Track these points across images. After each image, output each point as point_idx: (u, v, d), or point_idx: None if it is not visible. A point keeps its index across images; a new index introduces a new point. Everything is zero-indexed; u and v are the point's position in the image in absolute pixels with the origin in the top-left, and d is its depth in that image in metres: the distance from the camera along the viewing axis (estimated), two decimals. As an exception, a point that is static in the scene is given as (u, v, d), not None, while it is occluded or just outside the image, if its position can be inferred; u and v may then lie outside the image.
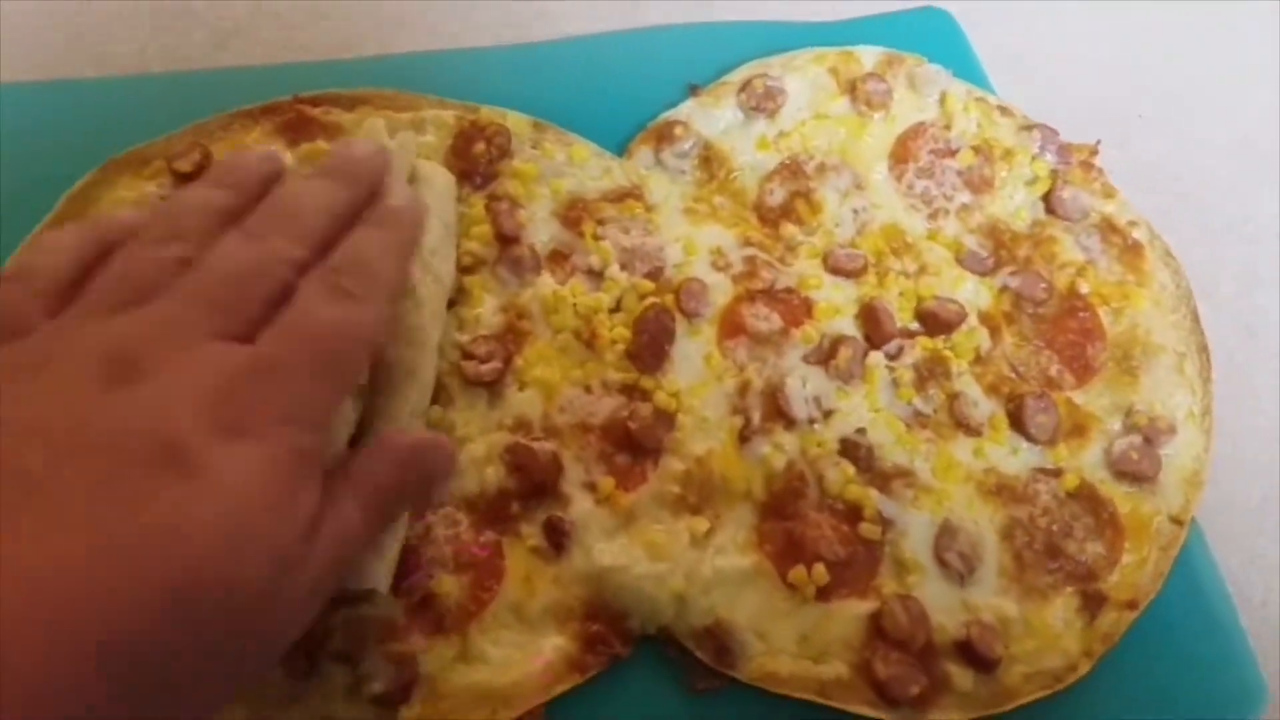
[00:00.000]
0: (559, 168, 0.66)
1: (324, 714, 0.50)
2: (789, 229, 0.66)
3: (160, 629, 0.35)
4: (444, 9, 0.77)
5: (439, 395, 0.57)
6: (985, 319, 0.64)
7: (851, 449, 0.59)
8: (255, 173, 0.50)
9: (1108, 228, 0.68)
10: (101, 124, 0.64)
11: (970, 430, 0.61)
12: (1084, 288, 0.66)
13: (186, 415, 0.38)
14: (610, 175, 0.66)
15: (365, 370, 0.48)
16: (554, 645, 0.53)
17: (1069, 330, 0.65)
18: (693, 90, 0.71)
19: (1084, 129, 0.71)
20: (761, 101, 0.69)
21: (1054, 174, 0.69)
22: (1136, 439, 0.61)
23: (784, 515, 0.57)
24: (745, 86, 0.70)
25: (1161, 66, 0.84)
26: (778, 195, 0.68)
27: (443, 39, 0.76)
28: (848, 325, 0.63)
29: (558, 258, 0.63)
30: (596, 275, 0.62)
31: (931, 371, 0.62)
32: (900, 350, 0.62)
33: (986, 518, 0.58)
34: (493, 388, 0.58)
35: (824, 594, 0.55)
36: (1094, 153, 0.71)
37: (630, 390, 0.59)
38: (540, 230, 0.63)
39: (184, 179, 0.61)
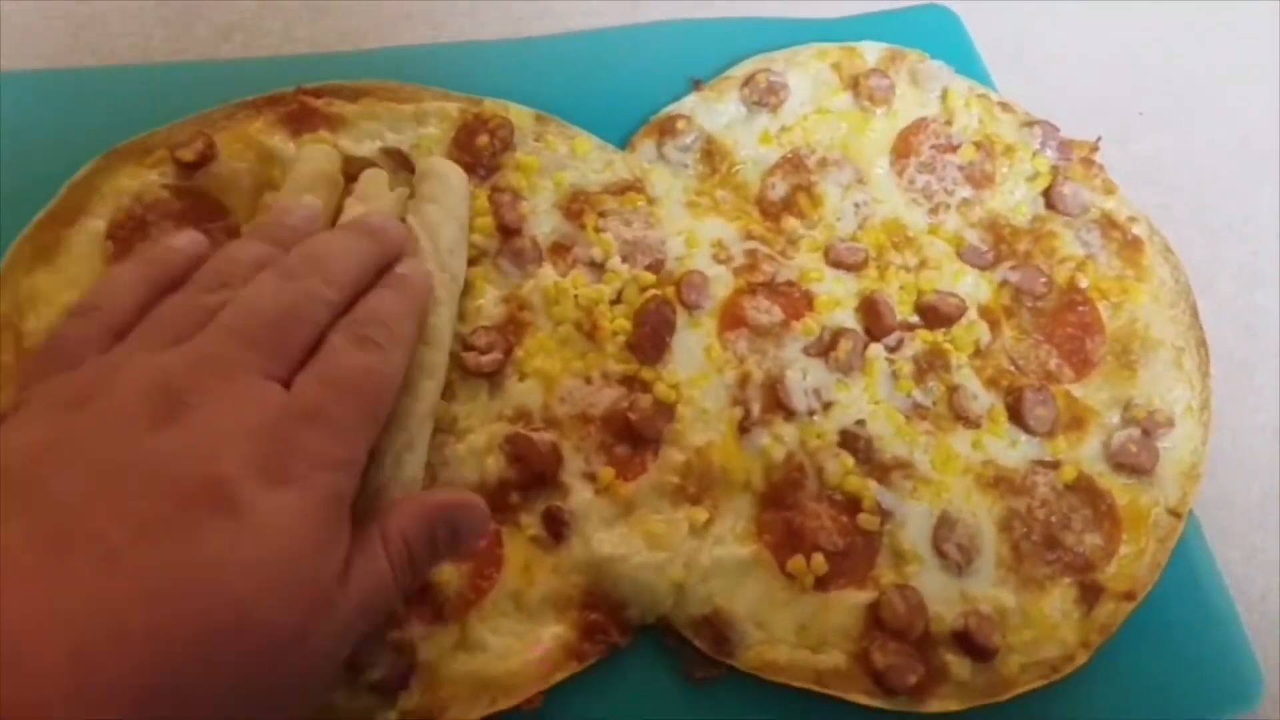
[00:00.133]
0: (561, 160, 0.66)
1: (323, 701, 0.50)
2: (790, 223, 0.67)
3: (198, 672, 0.35)
4: (447, 6, 0.77)
5: (440, 386, 0.57)
6: (985, 313, 0.65)
7: (851, 440, 0.59)
8: (302, 231, 0.52)
9: (1107, 223, 0.68)
10: (105, 113, 0.64)
11: (969, 422, 0.61)
12: (1083, 282, 0.66)
13: (231, 457, 0.39)
14: (612, 168, 0.66)
15: (390, 409, 0.49)
16: (553, 634, 0.53)
17: (1068, 324, 0.65)
18: (696, 85, 0.71)
19: (1085, 126, 0.72)
20: (764, 96, 0.70)
21: (1054, 170, 0.70)
22: (1135, 432, 0.61)
23: (783, 506, 0.57)
24: (748, 81, 0.70)
25: (1162, 64, 0.84)
26: (779, 189, 0.68)
27: (446, 34, 0.76)
28: (848, 318, 0.63)
29: (559, 250, 0.63)
30: (598, 267, 0.63)
31: (931, 364, 0.62)
32: (900, 343, 0.63)
33: (985, 509, 0.59)
34: (493, 378, 0.58)
35: (822, 584, 0.55)
36: (1094, 149, 0.71)
37: (631, 381, 0.59)
38: (542, 222, 0.64)
39: (187, 168, 0.61)
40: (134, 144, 0.62)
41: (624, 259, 0.63)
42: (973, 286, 0.66)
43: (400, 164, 0.64)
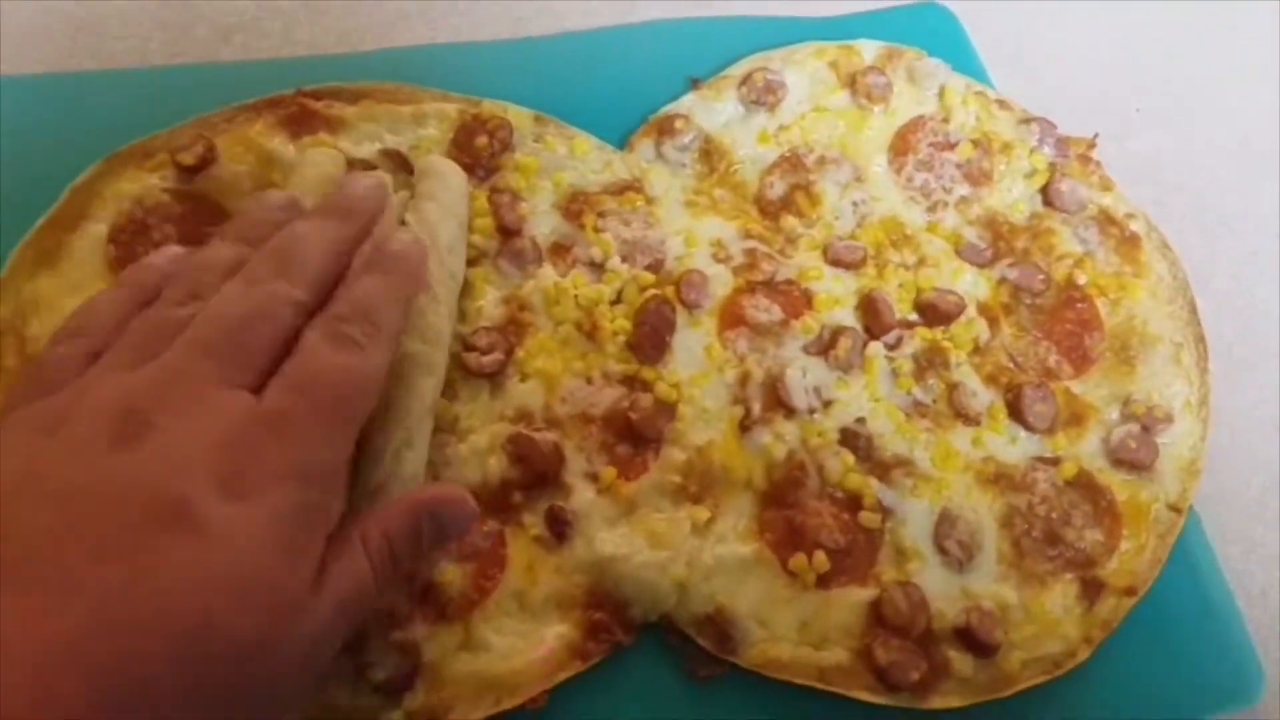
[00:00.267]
0: (560, 161, 0.66)
1: (328, 702, 0.50)
2: (789, 221, 0.67)
3: (162, 691, 0.35)
4: (445, 6, 0.77)
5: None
6: (984, 310, 0.65)
7: (851, 438, 0.60)
8: (275, 224, 0.50)
9: (1105, 220, 0.69)
10: (105, 117, 0.64)
11: (969, 420, 0.61)
12: (1081, 279, 0.66)
13: (190, 473, 0.38)
14: (611, 168, 0.66)
15: (369, 414, 0.48)
16: (556, 633, 0.54)
17: (1067, 321, 0.65)
18: (694, 84, 0.71)
19: (1082, 125, 0.72)
20: (762, 95, 0.70)
21: (1052, 167, 0.70)
22: (1134, 428, 0.61)
23: (784, 504, 0.58)
24: (746, 80, 0.70)
25: (1159, 63, 0.84)
26: (778, 188, 0.68)
27: (444, 35, 0.76)
28: (847, 316, 0.63)
29: (559, 250, 0.63)
30: (598, 267, 0.63)
31: (930, 362, 0.63)
32: (899, 341, 0.63)
33: (985, 506, 0.59)
34: (495, 379, 0.59)
35: (824, 581, 0.56)
36: (1092, 146, 0.71)
37: (631, 381, 0.60)
38: (542, 223, 0.64)
39: (188, 172, 0.61)
40: (134, 148, 0.62)
41: (623, 259, 0.63)
42: (971, 284, 0.66)
43: (399, 166, 0.64)
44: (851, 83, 0.71)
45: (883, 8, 0.80)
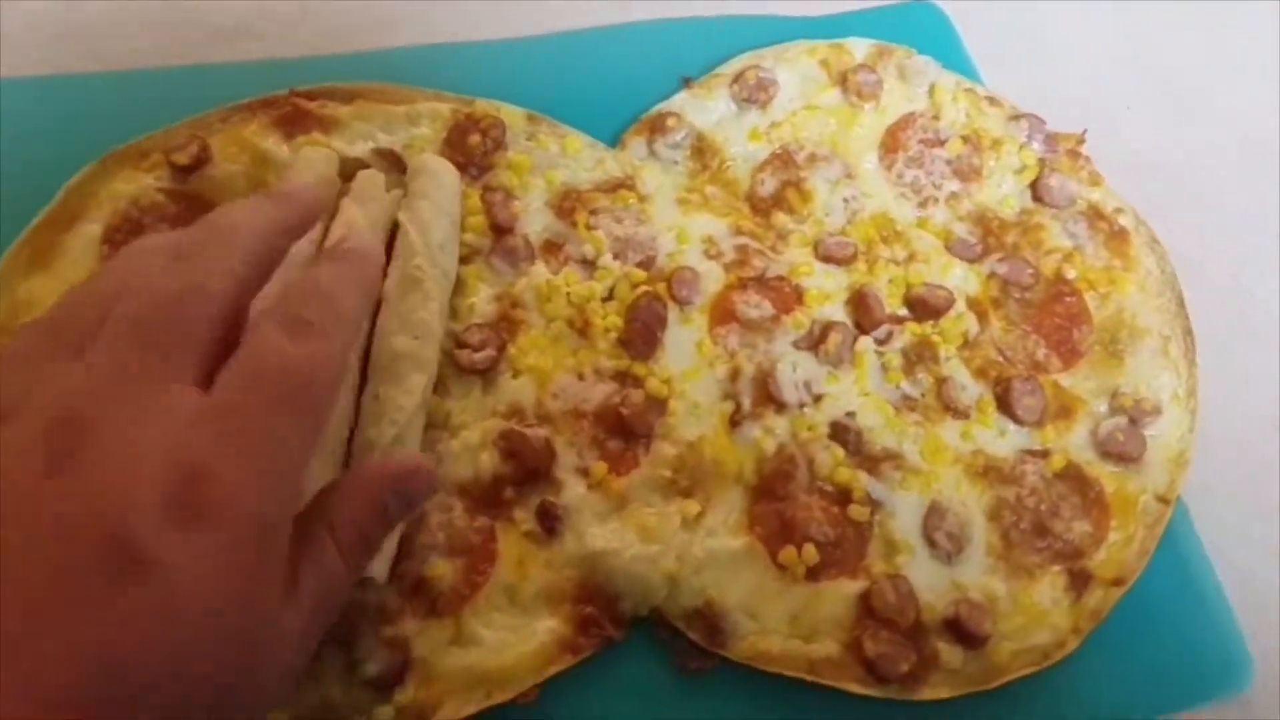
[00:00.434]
0: (553, 159, 0.66)
1: (319, 697, 0.51)
2: (780, 218, 0.67)
3: None
4: (438, 6, 0.78)
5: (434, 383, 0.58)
6: (973, 304, 0.65)
7: (841, 432, 0.60)
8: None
9: (1094, 214, 0.69)
10: (100, 118, 0.65)
11: (958, 413, 0.62)
12: (1070, 273, 0.66)
13: (135, 501, 0.33)
14: (603, 166, 0.67)
15: (334, 407, 0.45)
16: (547, 628, 0.54)
17: (1055, 315, 0.66)
18: (685, 82, 0.72)
19: (1072, 123, 0.72)
20: (754, 93, 0.70)
21: (1041, 162, 0.70)
22: (1122, 420, 0.62)
23: (774, 497, 0.58)
24: (738, 78, 0.71)
25: (1150, 60, 0.84)
26: (769, 185, 0.69)
27: (437, 35, 0.76)
28: (838, 311, 0.64)
29: (551, 247, 0.64)
30: (590, 264, 0.63)
31: (920, 356, 0.63)
32: (889, 335, 0.63)
33: (974, 498, 0.59)
34: (487, 375, 0.59)
35: (814, 574, 0.56)
36: (1080, 141, 0.72)
37: (623, 377, 0.60)
38: (534, 220, 0.64)
39: (182, 172, 0.61)
40: (129, 148, 0.63)
41: (615, 256, 0.63)
42: (961, 279, 0.66)
43: (393, 165, 0.64)
44: (842, 80, 0.72)
45: (873, 6, 0.80)
